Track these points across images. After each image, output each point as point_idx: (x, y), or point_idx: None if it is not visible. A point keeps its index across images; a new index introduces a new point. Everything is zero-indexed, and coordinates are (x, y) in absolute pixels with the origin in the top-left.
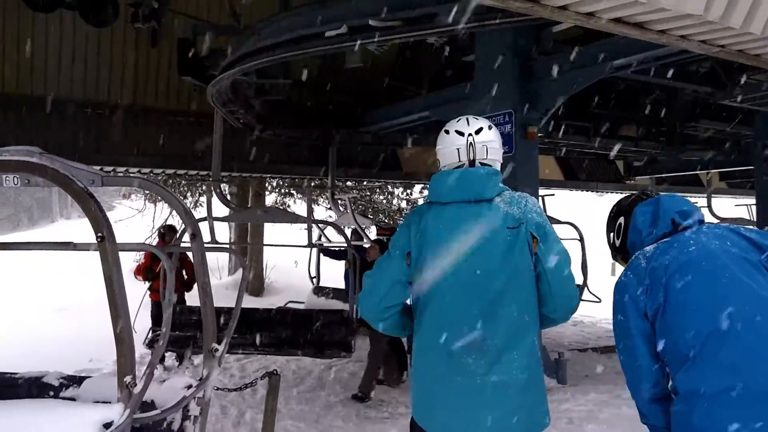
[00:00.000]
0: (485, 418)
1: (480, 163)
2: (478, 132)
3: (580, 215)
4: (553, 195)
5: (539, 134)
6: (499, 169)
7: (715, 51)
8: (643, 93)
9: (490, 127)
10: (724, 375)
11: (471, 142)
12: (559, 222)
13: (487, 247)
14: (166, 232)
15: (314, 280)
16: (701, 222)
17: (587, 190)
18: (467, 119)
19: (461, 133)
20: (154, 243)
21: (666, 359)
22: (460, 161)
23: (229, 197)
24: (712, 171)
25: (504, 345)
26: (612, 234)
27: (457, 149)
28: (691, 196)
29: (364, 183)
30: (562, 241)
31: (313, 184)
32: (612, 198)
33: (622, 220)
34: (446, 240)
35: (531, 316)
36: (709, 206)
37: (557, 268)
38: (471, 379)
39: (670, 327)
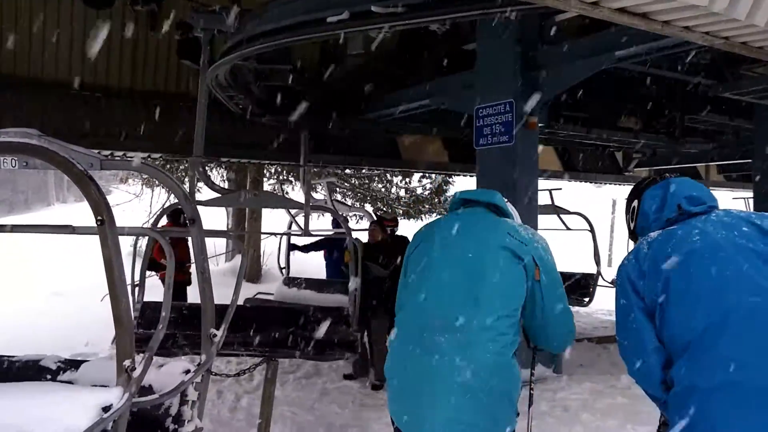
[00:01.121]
0: (447, 401)
1: None
2: None
3: (578, 207)
4: (560, 189)
5: (539, 124)
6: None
7: (719, 43)
8: (644, 84)
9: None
10: (719, 369)
11: None
12: (568, 212)
13: (484, 235)
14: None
15: (284, 271)
16: (713, 208)
17: (586, 181)
18: None
19: None
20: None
21: (665, 347)
22: None
23: (227, 184)
24: (711, 164)
25: (478, 330)
26: (628, 217)
27: None
28: None
29: (363, 171)
30: (571, 231)
31: (313, 170)
32: (610, 189)
33: (636, 203)
34: (447, 230)
35: (511, 313)
36: None
37: (555, 308)
38: (440, 360)
39: (669, 318)
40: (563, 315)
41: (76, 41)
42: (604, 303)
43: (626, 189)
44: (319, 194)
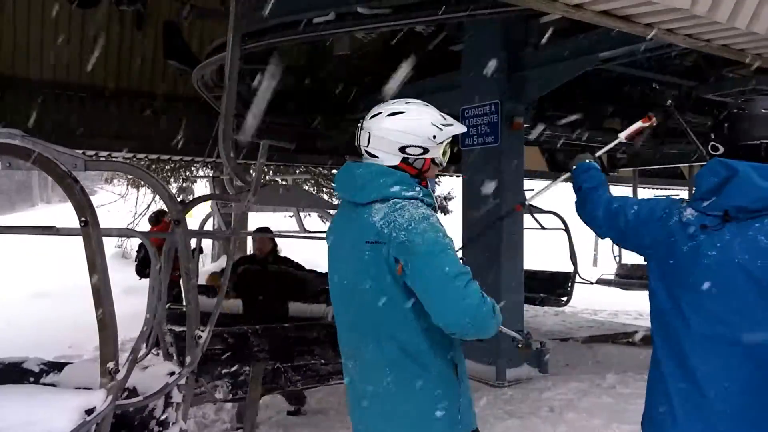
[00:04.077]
0: (370, 425)
1: (365, 151)
2: (373, 117)
3: (563, 207)
4: (531, 190)
5: (525, 125)
6: (390, 162)
7: (701, 45)
8: (628, 85)
9: (393, 114)
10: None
11: (360, 128)
12: (542, 212)
13: (349, 258)
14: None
15: None
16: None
17: (571, 182)
18: (386, 104)
19: (364, 118)
20: (137, 228)
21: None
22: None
23: (211, 184)
24: (694, 164)
25: (370, 357)
26: (711, 143)
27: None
28: (672, 189)
29: None
30: (549, 230)
31: (298, 171)
32: None
33: (722, 150)
34: (331, 243)
35: (398, 336)
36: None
37: (424, 297)
38: (354, 385)
39: (652, 319)
40: (448, 305)
41: (61, 41)
42: (588, 303)
43: (611, 189)
44: None
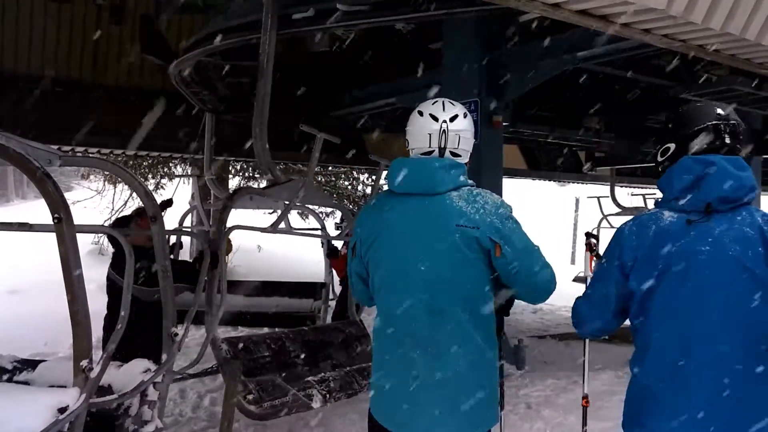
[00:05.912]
0: (429, 415)
1: (451, 152)
2: (452, 119)
3: (542, 205)
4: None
5: (504, 123)
6: (467, 160)
7: (677, 45)
8: (606, 85)
9: (465, 115)
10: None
11: (444, 129)
12: None
13: (433, 242)
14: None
15: None
16: (747, 203)
17: (549, 180)
18: (443, 103)
19: (435, 118)
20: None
21: (635, 327)
22: (430, 147)
23: (190, 180)
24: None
25: (447, 341)
26: (659, 149)
27: (429, 134)
28: (650, 188)
29: (329, 168)
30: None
31: (280, 167)
32: (573, 188)
33: (673, 147)
34: (395, 233)
35: (478, 315)
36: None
37: (525, 269)
38: (417, 374)
39: (646, 308)
40: (542, 274)
41: (36, 35)
42: (566, 300)
43: (589, 188)
44: None
